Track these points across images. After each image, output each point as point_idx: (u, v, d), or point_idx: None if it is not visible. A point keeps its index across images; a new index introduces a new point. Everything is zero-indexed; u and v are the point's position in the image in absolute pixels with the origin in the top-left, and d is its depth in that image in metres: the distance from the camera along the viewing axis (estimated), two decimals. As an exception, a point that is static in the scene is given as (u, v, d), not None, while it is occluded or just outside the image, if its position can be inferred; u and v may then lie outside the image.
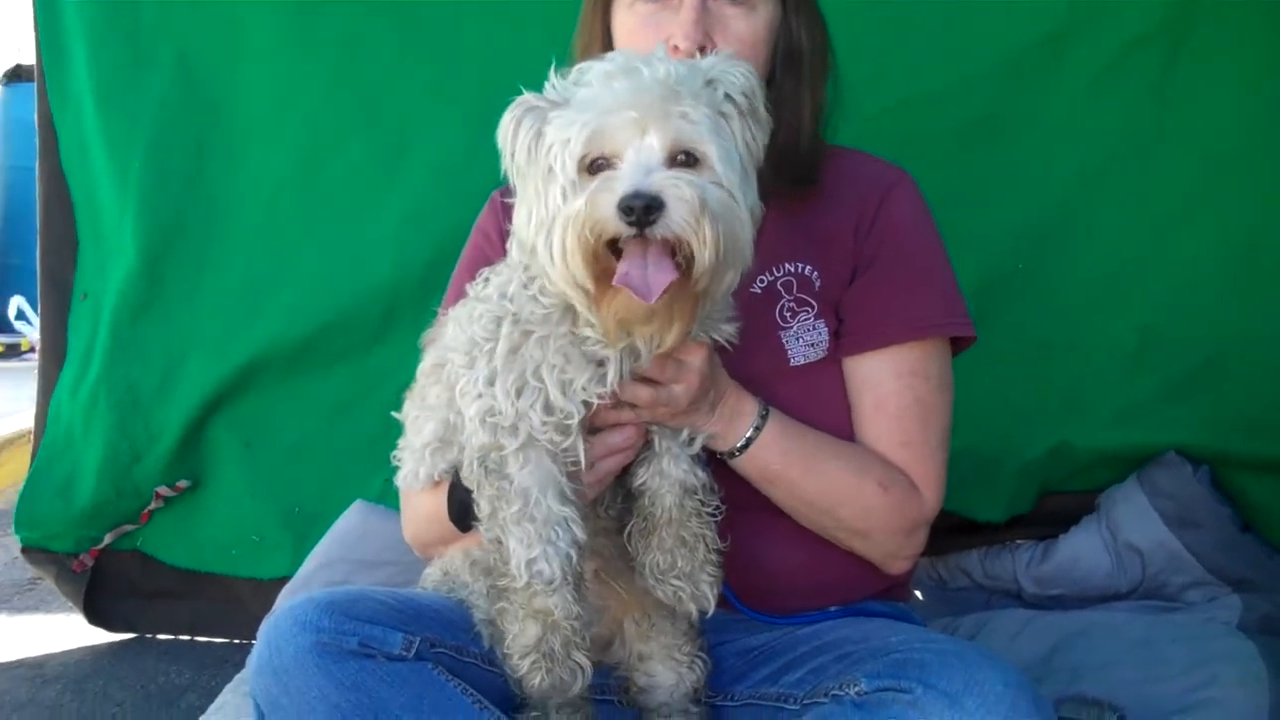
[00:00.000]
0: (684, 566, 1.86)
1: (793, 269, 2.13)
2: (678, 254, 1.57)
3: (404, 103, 3.49)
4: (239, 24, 3.52)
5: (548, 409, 1.73)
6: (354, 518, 3.35)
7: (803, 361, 2.09)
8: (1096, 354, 3.28)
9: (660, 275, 1.56)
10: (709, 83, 1.67)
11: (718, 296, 1.69)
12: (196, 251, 3.59)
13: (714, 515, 1.88)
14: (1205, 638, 2.65)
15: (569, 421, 1.74)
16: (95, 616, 3.80)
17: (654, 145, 1.58)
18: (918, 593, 3.29)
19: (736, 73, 1.69)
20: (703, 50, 1.96)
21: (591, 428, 1.81)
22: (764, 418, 1.97)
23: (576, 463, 1.77)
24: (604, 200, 1.55)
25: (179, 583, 3.73)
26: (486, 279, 1.83)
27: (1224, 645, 2.61)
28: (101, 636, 3.85)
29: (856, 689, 1.73)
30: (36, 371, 3.78)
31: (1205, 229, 3.21)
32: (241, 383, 3.58)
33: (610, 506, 1.94)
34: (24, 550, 3.70)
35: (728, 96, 1.68)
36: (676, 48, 2.00)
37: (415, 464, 1.98)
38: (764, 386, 2.02)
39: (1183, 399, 3.22)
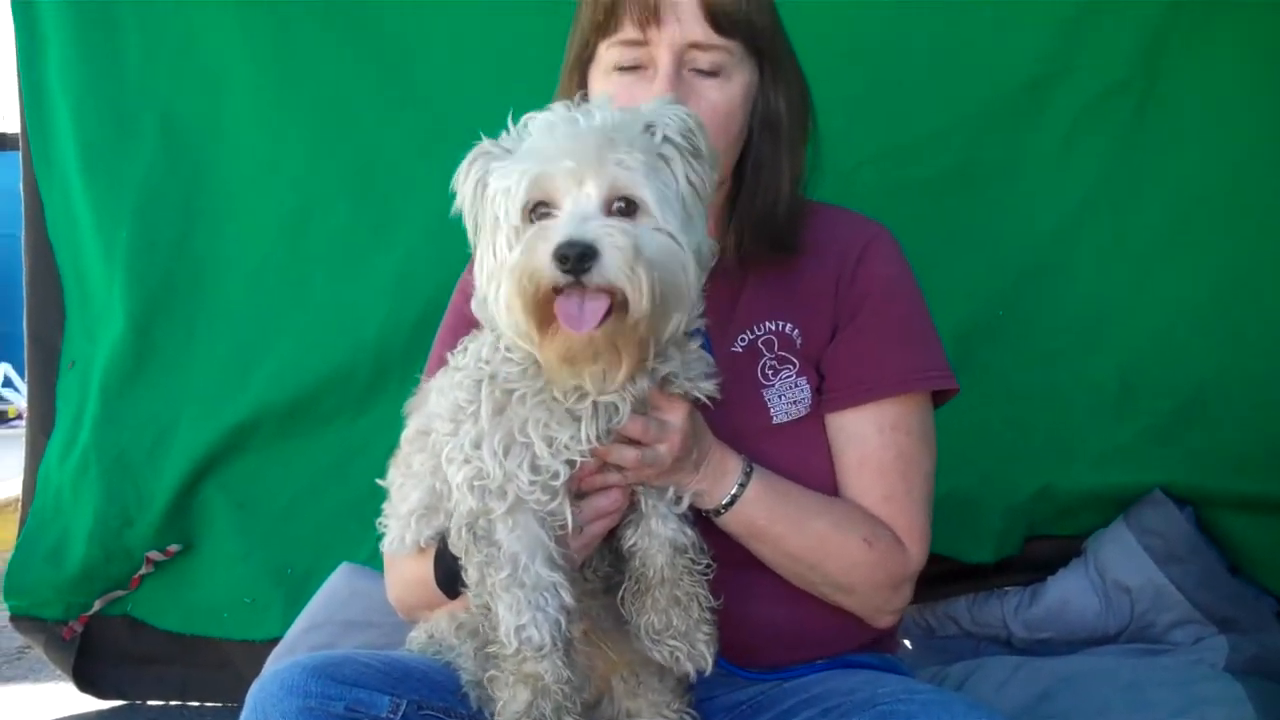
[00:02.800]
0: (679, 626, 1.85)
1: (773, 327, 2.13)
2: (614, 298, 1.59)
3: (390, 163, 3.51)
4: (222, 88, 3.55)
5: (534, 468, 1.72)
6: (340, 580, 3.34)
7: (785, 419, 2.09)
8: (1079, 397, 3.30)
9: (594, 305, 1.58)
10: (647, 127, 1.70)
11: (663, 338, 1.70)
12: (185, 317, 3.61)
13: (705, 573, 1.87)
14: (1193, 680, 2.65)
15: (555, 482, 1.74)
16: (85, 684, 3.77)
17: (591, 194, 1.61)
18: (906, 642, 3.28)
19: (673, 115, 1.72)
20: None
21: (578, 493, 1.81)
22: (748, 474, 1.97)
23: (564, 526, 1.77)
24: (540, 249, 1.58)
25: (170, 647, 3.71)
26: (464, 347, 1.84)
27: (1212, 688, 2.61)
28: (91, 705, 3.81)
29: (844, 742, 1.72)
30: (24, 439, 3.77)
31: (1183, 270, 3.24)
32: (233, 445, 3.58)
33: (597, 569, 1.93)
34: (12, 619, 3.69)
35: (667, 139, 1.70)
36: None
37: (401, 530, 1.97)
38: (747, 444, 2.02)
39: (1165, 440, 3.23)
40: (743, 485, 1.96)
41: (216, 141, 3.58)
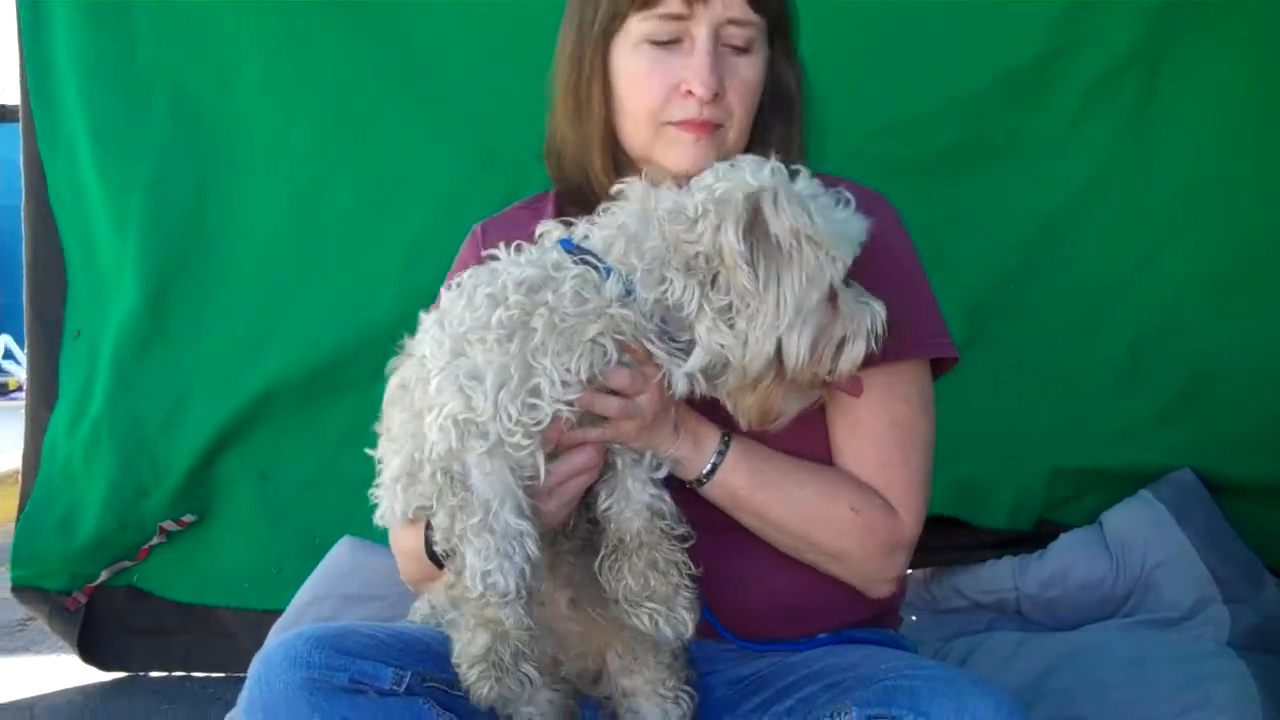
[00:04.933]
0: (659, 591, 1.84)
1: None
2: None
3: (400, 136, 3.52)
4: (233, 63, 3.56)
5: (526, 407, 1.71)
6: (342, 553, 3.35)
7: None
8: (1089, 373, 3.31)
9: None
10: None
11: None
12: (199, 288, 3.63)
13: (683, 540, 1.86)
14: (1197, 657, 2.66)
15: (537, 426, 1.72)
16: (89, 655, 3.79)
17: None
18: (914, 616, 3.30)
19: None
20: (716, 96, 2.00)
21: (552, 452, 1.81)
22: (727, 442, 1.96)
23: (533, 477, 1.76)
24: (864, 328, 1.77)
25: (175, 618, 3.73)
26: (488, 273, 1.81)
27: (1215, 665, 2.62)
28: (91, 677, 3.82)
29: (846, 717, 1.73)
30: (24, 410, 3.78)
31: (1190, 247, 3.26)
32: (253, 416, 3.61)
33: (575, 530, 1.93)
34: (14, 589, 3.69)
35: None
36: (690, 92, 2.00)
37: (390, 500, 1.95)
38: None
39: (1174, 418, 3.25)
40: (722, 453, 1.95)
41: (228, 114, 3.59)
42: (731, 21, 2.00)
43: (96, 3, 3.57)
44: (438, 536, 1.78)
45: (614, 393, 1.79)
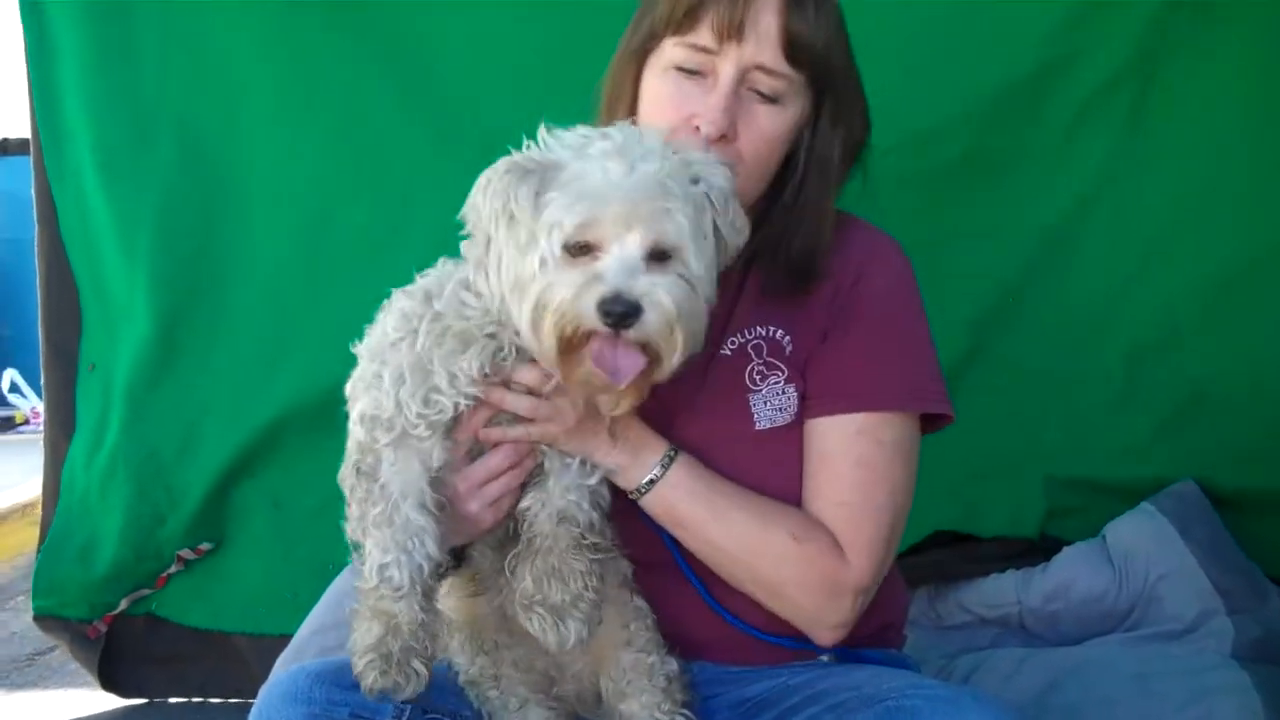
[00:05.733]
0: (552, 598, 1.83)
1: (764, 332, 2.09)
2: (646, 349, 1.67)
3: (407, 158, 3.53)
4: (239, 90, 3.58)
5: (426, 401, 1.77)
6: (346, 582, 3.35)
7: (768, 425, 2.05)
8: (1088, 385, 3.31)
9: (629, 363, 1.67)
10: (695, 180, 1.74)
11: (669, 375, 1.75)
12: (210, 317, 3.65)
13: (597, 554, 1.87)
14: (1200, 670, 2.66)
15: (440, 417, 1.78)
16: (109, 683, 3.82)
17: (636, 242, 1.66)
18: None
19: (721, 176, 1.77)
20: (724, 138, 1.95)
21: (477, 450, 1.86)
22: (671, 458, 1.96)
23: (441, 468, 1.81)
24: (586, 296, 1.64)
25: (192, 645, 3.76)
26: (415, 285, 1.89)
27: (1219, 678, 2.62)
28: (99, 708, 3.85)
29: (850, 738, 1.73)
30: (42, 443, 3.83)
31: (1187, 258, 3.25)
32: (264, 443, 3.63)
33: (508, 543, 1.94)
34: (36, 618, 3.73)
35: (708, 196, 1.75)
36: (697, 128, 1.96)
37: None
38: (727, 448, 2.02)
39: (1174, 430, 3.25)
40: (664, 467, 1.95)
41: (235, 143, 3.61)
42: (761, 68, 1.96)
43: (101, 34, 3.59)
44: (350, 526, 1.83)
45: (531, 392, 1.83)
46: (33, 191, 3.72)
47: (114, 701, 3.88)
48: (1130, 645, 2.92)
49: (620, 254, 1.66)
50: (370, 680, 1.75)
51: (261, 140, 3.60)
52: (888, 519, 2.03)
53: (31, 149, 3.74)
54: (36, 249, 3.74)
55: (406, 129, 3.53)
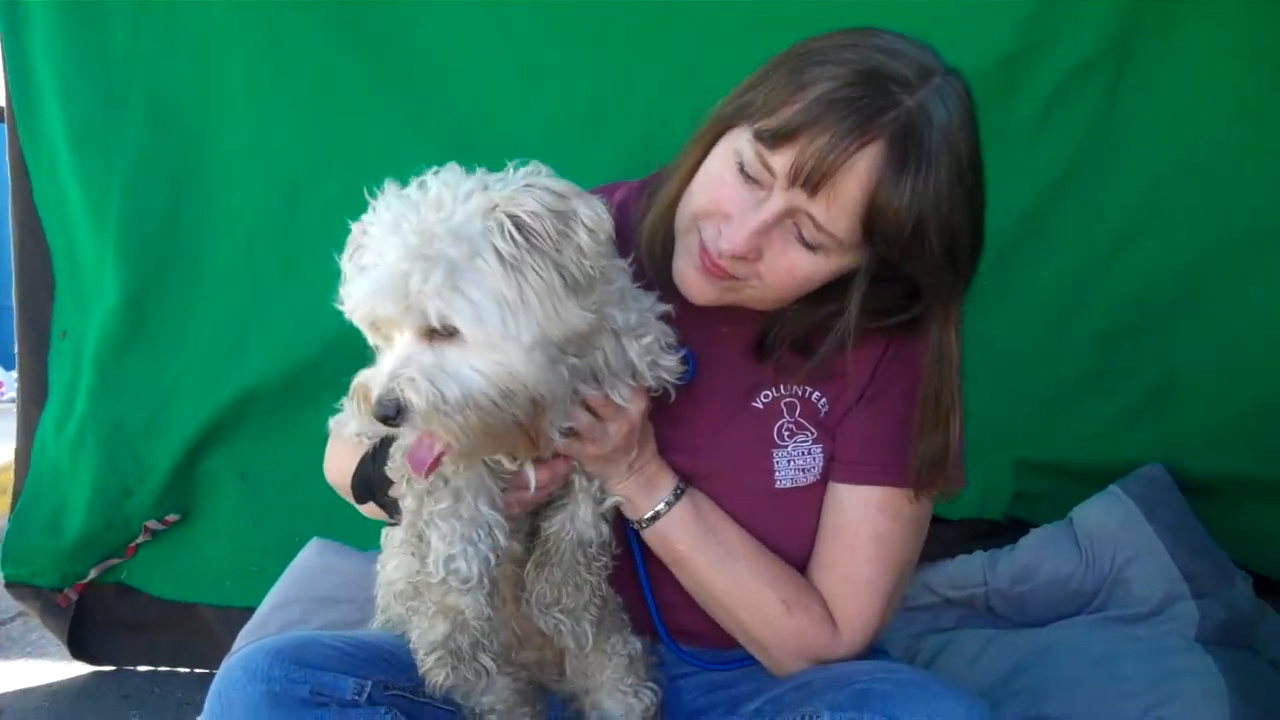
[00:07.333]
0: (568, 604, 1.92)
1: (800, 392, 2.04)
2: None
3: (381, 133, 3.50)
4: (210, 62, 3.54)
5: None
6: (311, 555, 3.37)
7: (789, 485, 2.02)
8: (1058, 368, 3.32)
9: (421, 453, 1.70)
10: (491, 208, 1.67)
11: (550, 422, 1.73)
12: (179, 288, 3.63)
13: (604, 569, 1.95)
14: (1165, 653, 2.67)
15: None
16: (78, 650, 3.84)
17: (408, 337, 1.66)
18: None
19: (531, 201, 1.65)
20: (743, 258, 1.83)
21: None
22: (678, 496, 1.97)
23: (509, 474, 1.82)
24: (370, 399, 1.68)
25: (162, 614, 3.77)
26: None
27: (1184, 661, 2.63)
28: (57, 677, 3.85)
29: (817, 720, 1.74)
30: (15, 411, 3.81)
31: (1159, 243, 3.26)
32: (233, 415, 3.62)
33: (515, 533, 1.95)
34: (7, 585, 3.73)
35: (519, 229, 1.65)
36: (706, 248, 1.86)
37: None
38: (744, 500, 2.02)
39: (1144, 414, 3.27)
40: (669, 504, 1.97)
41: (205, 115, 3.58)
42: (813, 219, 1.79)
43: (73, 3, 3.55)
44: (404, 520, 1.82)
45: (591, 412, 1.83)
46: (6, 159, 3.70)
47: (79, 669, 3.89)
48: (1096, 627, 2.91)
49: (395, 348, 1.67)
50: (440, 678, 1.76)
51: (233, 112, 3.57)
52: (892, 592, 2.03)
53: (5, 117, 3.71)
54: (10, 218, 3.71)
55: (379, 101, 3.51)
